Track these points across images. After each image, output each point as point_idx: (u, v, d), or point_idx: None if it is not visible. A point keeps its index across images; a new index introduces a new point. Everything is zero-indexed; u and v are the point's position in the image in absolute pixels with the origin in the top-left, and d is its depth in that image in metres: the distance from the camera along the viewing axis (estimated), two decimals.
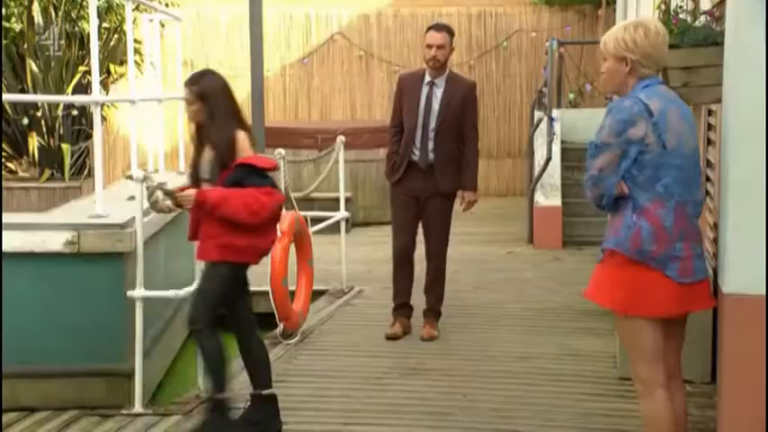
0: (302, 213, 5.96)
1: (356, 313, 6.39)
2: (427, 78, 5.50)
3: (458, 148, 5.52)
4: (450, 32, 5.52)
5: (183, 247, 5.95)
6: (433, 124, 5.45)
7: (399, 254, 5.63)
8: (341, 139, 6.98)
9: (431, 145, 5.46)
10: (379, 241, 9.25)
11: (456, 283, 7.23)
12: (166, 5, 9.86)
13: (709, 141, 5.00)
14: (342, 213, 7.02)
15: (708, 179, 4.99)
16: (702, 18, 4.30)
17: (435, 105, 5.46)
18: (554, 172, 8.77)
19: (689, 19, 4.28)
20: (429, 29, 5.56)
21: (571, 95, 11.18)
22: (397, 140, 5.56)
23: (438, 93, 5.47)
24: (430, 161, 5.47)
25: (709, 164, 4.99)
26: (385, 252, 8.74)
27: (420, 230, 5.68)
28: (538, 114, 9.43)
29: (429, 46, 5.43)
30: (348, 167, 8.45)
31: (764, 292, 3.23)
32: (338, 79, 12.34)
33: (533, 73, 12.27)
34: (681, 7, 4.45)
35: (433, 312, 5.70)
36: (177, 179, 6.59)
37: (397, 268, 5.67)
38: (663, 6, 4.90)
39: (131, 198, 5.09)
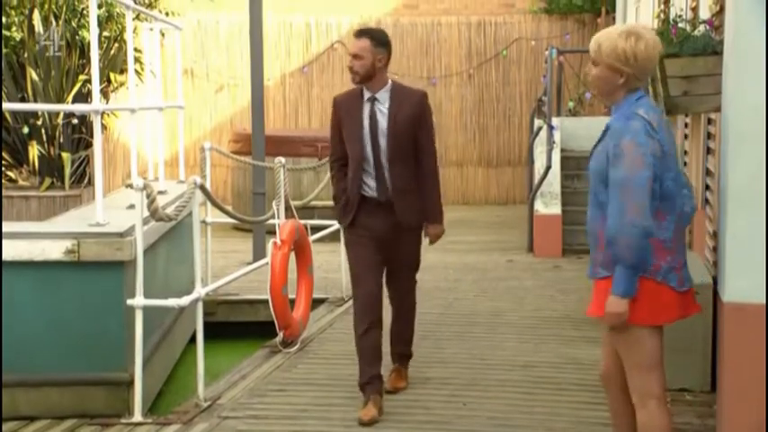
0: (302, 221, 5.95)
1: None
2: (366, 94, 4.50)
3: (415, 172, 4.53)
4: (375, 39, 4.47)
5: (183, 255, 5.96)
6: (384, 146, 4.46)
7: (365, 304, 4.49)
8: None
9: (385, 173, 4.48)
10: None
11: (456, 292, 7.23)
12: (167, 14, 9.87)
13: (709, 150, 5.01)
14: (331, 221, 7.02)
15: (707, 188, 5.00)
16: (702, 27, 4.32)
17: (383, 123, 4.47)
18: (554, 180, 8.78)
19: (688, 28, 4.30)
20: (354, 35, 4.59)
21: (571, 104, 11.20)
22: (342, 176, 4.57)
23: (382, 108, 4.48)
24: (387, 192, 4.50)
25: (708, 172, 5.00)
26: None
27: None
28: (537, 122, 9.45)
29: (350, 55, 4.54)
30: None
31: (764, 301, 3.23)
32: (338, 88, 12.33)
33: (533, 81, 12.30)
34: (680, 16, 4.47)
35: (404, 357, 4.85)
36: (178, 188, 6.60)
37: (364, 324, 4.49)
38: (662, 15, 4.92)
39: (131, 206, 5.10)
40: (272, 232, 5.92)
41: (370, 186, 4.51)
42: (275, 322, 5.52)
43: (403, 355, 4.89)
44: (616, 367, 3.27)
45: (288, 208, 6.11)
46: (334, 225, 7.06)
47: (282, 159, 6.33)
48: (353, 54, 4.46)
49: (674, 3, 6.29)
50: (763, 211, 3.24)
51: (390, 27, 12.32)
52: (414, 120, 4.50)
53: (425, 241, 4.72)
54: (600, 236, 3.12)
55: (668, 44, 4.16)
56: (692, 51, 4.03)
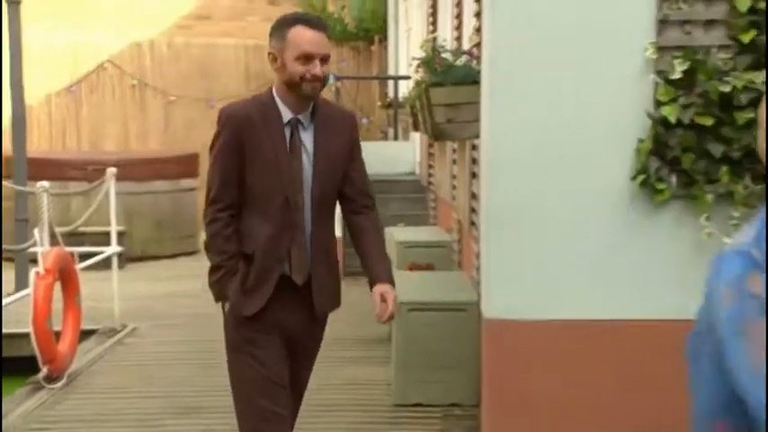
0: (69, 249, 5.66)
1: (129, 352, 6.12)
2: (286, 113, 2.94)
3: (332, 232, 3.14)
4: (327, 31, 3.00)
5: None
6: (309, 194, 2.98)
7: None
8: (111, 170, 6.72)
9: (306, 231, 3.00)
10: (155, 277, 8.95)
11: None
12: None
13: (474, 175, 5.28)
14: (113, 248, 6.74)
15: (473, 210, 5.26)
16: (463, 57, 4.55)
17: (305, 160, 2.95)
18: None
19: (451, 58, 4.52)
20: (293, 23, 2.91)
21: None
22: (232, 233, 2.94)
23: (306, 138, 2.96)
24: (306, 268, 3.00)
25: (474, 196, 5.27)
26: (163, 287, 8.50)
27: None
28: None
29: (307, 56, 2.86)
30: (122, 200, 8.14)
31: (522, 317, 3.43)
32: (110, 108, 11.89)
33: None
34: (443, 46, 4.68)
35: None
36: None
37: None
38: (429, 45, 5.13)
39: None
40: (36, 261, 5.57)
41: (293, 257, 2.95)
42: (38, 356, 5.19)
43: None
44: None
45: (53, 235, 5.77)
46: (106, 251, 6.74)
47: (46, 183, 5.97)
48: (323, 56, 2.88)
49: (440, 33, 6.61)
50: (518, 234, 3.44)
51: (164, 46, 12.05)
52: (348, 154, 3.03)
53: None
54: None
55: (433, 73, 4.35)
56: (455, 80, 4.23)
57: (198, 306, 7.48)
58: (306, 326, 3.04)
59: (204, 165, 12.12)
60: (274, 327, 2.94)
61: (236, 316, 2.94)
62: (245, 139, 2.91)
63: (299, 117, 2.95)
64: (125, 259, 8.70)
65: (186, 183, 10.33)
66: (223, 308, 3.00)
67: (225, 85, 12.34)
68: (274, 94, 2.96)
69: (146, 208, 9.74)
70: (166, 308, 7.48)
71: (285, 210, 2.92)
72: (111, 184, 6.66)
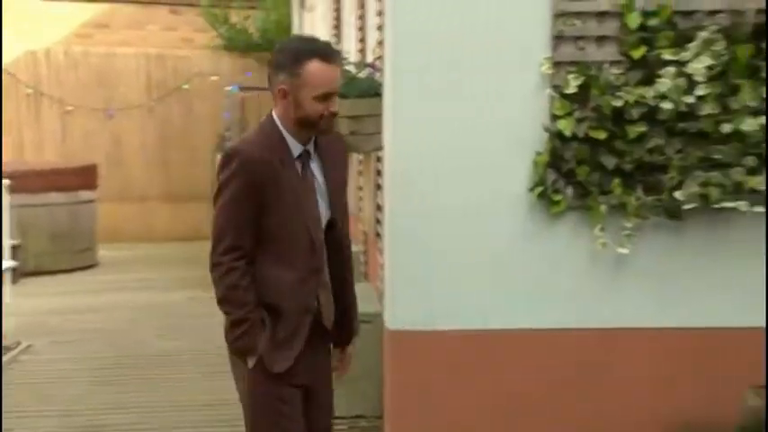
0: None
1: (22, 371, 5.91)
2: (295, 146, 2.72)
3: None
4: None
5: None
6: (325, 228, 2.79)
7: None
8: (4, 182, 6.50)
9: (326, 269, 2.81)
10: (51, 291, 8.66)
11: (136, 333, 6.96)
12: None
13: (379, 186, 5.31)
14: (7, 262, 6.51)
15: (378, 221, 5.30)
16: (366, 70, 4.58)
17: (318, 193, 2.77)
18: None
19: (354, 70, 4.54)
20: (308, 57, 2.62)
21: None
22: (250, 283, 2.70)
23: (315, 169, 2.76)
24: (332, 308, 2.83)
25: (379, 207, 5.31)
26: (58, 302, 8.24)
27: None
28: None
29: (325, 96, 2.66)
30: (16, 212, 7.88)
31: (424, 328, 3.46)
32: (3, 118, 11.48)
33: (217, 116, 12.30)
34: (346, 59, 4.70)
35: None
36: None
37: None
38: None
39: None
40: None
41: (321, 301, 2.76)
42: None
43: None
44: None
45: None
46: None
47: None
48: (337, 92, 2.72)
49: (344, 45, 6.64)
50: (420, 245, 3.48)
51: (61, 55, 11.73)
52: (346, 181, 2.91)
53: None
54: None
55: None
56: (358, 93, 4.26)
57: (95, 321, 7.30)
58: (323, 372, 2.86)
59: (104, 175, 11.82)
60: (301, 376, 2.74)
61: (263, 371, 2.69)
62: (264, 182, 2.63)
63: (308, 147, 2.73)
64: (19, 274, 8.42)
65: (84, 195, 10.06)
66: (244, 362, 2.73)
67: (124, 94, 12.08)
68: (280, 127, 2.70)
69: (41, 221, 9.42)
70: (62, 324, 7.25)
71: (311, 251, 2.69)
72: (4, 197, 6.45)
